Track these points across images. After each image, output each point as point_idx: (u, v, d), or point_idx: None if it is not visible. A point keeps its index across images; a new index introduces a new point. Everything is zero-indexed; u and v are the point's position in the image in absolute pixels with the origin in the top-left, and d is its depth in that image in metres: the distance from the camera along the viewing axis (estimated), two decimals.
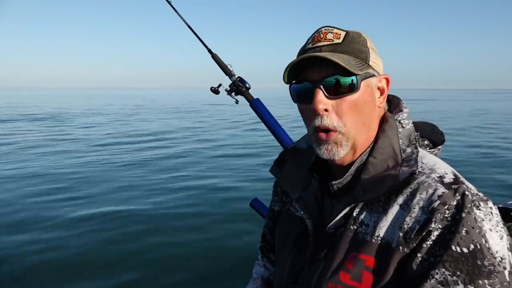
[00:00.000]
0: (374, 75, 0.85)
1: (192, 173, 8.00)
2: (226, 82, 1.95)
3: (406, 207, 0.79)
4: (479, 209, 0.75)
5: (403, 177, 0.79)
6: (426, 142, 0.96)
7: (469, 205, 0.75)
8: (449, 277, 0.71)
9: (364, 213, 0.83)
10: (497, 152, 10.27)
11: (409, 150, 0.85)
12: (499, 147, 11.21)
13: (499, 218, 0.78)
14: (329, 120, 0.82)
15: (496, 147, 11.18)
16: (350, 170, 0.86)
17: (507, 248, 0.76)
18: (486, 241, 0.73)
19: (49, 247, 4.45)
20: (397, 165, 0.83)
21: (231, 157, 9.78)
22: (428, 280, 0.72)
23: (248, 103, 1.94)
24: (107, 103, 41.85)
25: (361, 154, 0.87)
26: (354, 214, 0.84)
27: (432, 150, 0.95)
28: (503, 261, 0.74)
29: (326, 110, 0.82)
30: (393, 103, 0.95)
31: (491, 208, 0.78)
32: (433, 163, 0.84)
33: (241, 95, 1.94)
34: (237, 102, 1.97)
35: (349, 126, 0.83)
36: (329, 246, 0.86)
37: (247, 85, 1.93)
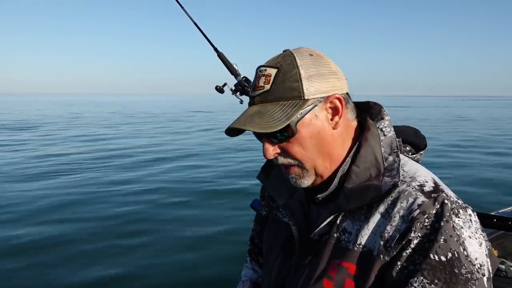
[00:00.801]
0: (316, 105, 0.83)
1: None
2: (231, 81, 1.94)
3: (387, 216, 0.80)
4: (458, 217, 0.77)
5: (385, 189, 0.81)
6: (408, 148, 0.97)
7: (448, 214, 0.76)
8: (427, 285, 0.73)
9: (347, 221, 0.85)
10: None
11: (391, 158, 0.86)
12: None
13: (478, 225, 0.80)
14: (283, 158, 0.87)
15: None
16: (334, 182, 0.88)
17: (486, 254, 0.78)
18: (464, 249, 0.75)
19: None
20: (379, 175, 0.84)
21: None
22: None
23: None
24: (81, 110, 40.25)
25: (341, 165, 0.88)
26: (338, 222, 0.86)
27: (414, 155, 0.96)
28: (482, 268, 0.76)
29: (277, 153, 0.87)
30: (375, 111, 0.95)
31: (470, 215, 0.79)
32: (414, 171, 0.86)
33: (246, 95, 1.92)
34: (241, 102, 1.95)
35: (303, 160, 0.86)
36: (313, 253, 0.88)
37: None
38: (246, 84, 1.91)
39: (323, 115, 0.85)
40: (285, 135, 0.83)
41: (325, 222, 0.85)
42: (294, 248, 0.92)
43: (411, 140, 0.98)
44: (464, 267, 0.74)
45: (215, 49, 1.98)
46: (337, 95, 0.85)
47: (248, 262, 1.25)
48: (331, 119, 0.86)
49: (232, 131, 0.88)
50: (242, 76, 1.93)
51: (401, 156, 0.89)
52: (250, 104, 0.88)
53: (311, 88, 0.82)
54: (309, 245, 0.89)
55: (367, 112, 0.96)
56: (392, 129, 0.91)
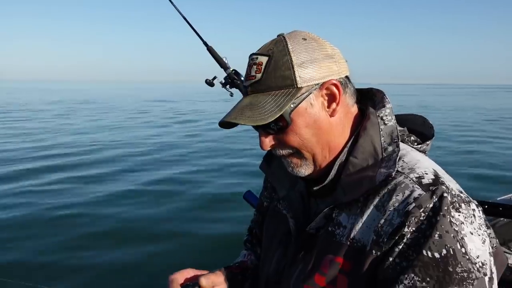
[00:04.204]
0: (311, 93, 0.80)
1: None
2: (221, 75, 1.94)
3: (381, 209, 0.77)
4: (459, 211, 0.72)
5: (380, 179, 0.77)
6: (412, 138, 0.92)
7: (446, 208, 0.71)
8: (418, 283, 0.69)
9: (343, 214, 0.82)
10: None
11: (390, 148, 0.82)
12: None
13: (482, 220, 0.75)
14: (280, 150, 0.86)
15: None
16: (331, 174, 0.85)
17: (490, 252, 0.73)
18: (462, 246, 0.70)
19: None
20: (375, 166, 0.80)
21: None
22: (397, 285, 0.71)
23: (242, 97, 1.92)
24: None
25: (339, 155, 0.85)
26: (334, 215, 0.83)
27: (420, 146, 0.91)
28: (483, 266, 0.71)
29: (273, 144, 0.85)
30: (377, 98, 0.91)
31: (473, 210, 0.74)
32: (415, 162, 0.81)
33: (236, 88, 1.93)
34: (231, 95, 1.95)
35: (301, 148, 0.84)
36: (307, 248, 0.85)
37: (242, 78, 1.91)
38: (236, 77, 1.90)
39: (319, 103, 0.81)
40: (280, 125, 0.80)
41: (320, 215, 0.83)
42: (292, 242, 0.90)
43: (418, 129, 0.94)
44: (460, 265, 0.69)
45: (205, 43, 1.96)
46: (334, 81, 0.81)
47: (243, 251, 1.20)
48: (328, 107, 0.82)
49: (226, 124, 0.85)
50: (231, 69, 1.91)
51: (403, 146, 0.85)
52: (244, 95, 0.86)
53: (305, 75, 0.78)
54: (305, 239, 0.86)
55: (370, 100, 0.92)
56: (394, 117, 0.87)
